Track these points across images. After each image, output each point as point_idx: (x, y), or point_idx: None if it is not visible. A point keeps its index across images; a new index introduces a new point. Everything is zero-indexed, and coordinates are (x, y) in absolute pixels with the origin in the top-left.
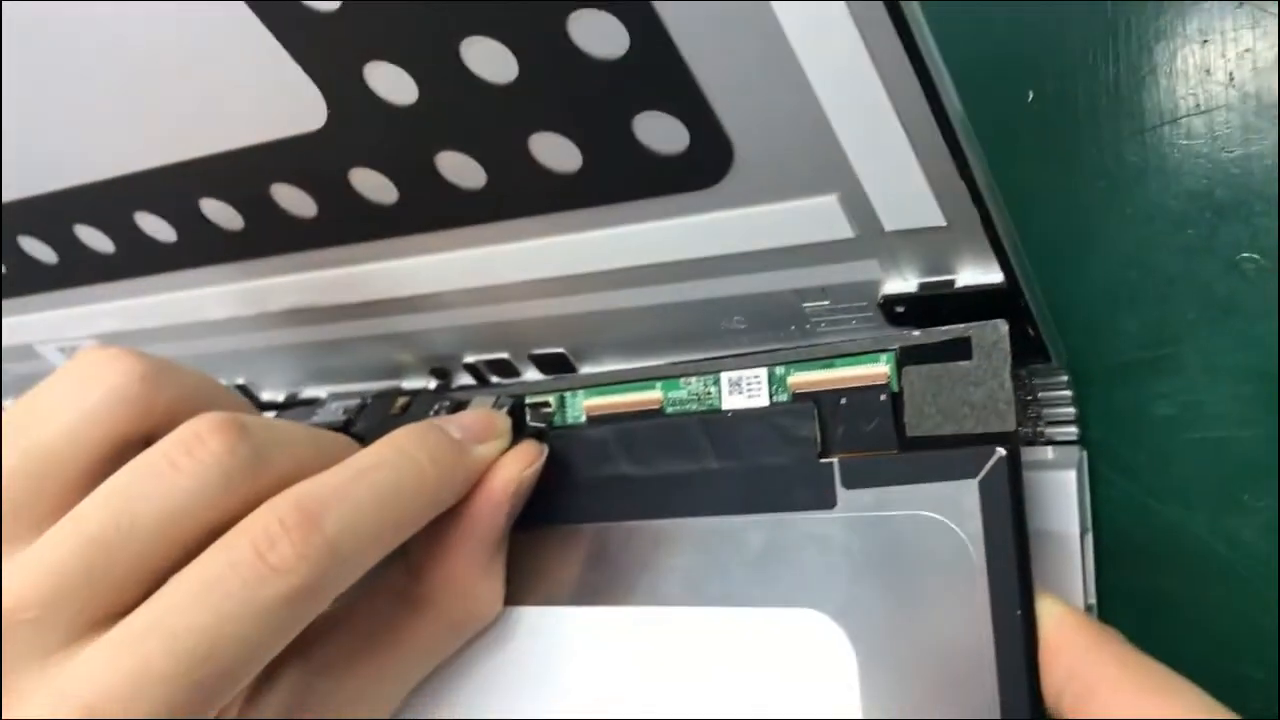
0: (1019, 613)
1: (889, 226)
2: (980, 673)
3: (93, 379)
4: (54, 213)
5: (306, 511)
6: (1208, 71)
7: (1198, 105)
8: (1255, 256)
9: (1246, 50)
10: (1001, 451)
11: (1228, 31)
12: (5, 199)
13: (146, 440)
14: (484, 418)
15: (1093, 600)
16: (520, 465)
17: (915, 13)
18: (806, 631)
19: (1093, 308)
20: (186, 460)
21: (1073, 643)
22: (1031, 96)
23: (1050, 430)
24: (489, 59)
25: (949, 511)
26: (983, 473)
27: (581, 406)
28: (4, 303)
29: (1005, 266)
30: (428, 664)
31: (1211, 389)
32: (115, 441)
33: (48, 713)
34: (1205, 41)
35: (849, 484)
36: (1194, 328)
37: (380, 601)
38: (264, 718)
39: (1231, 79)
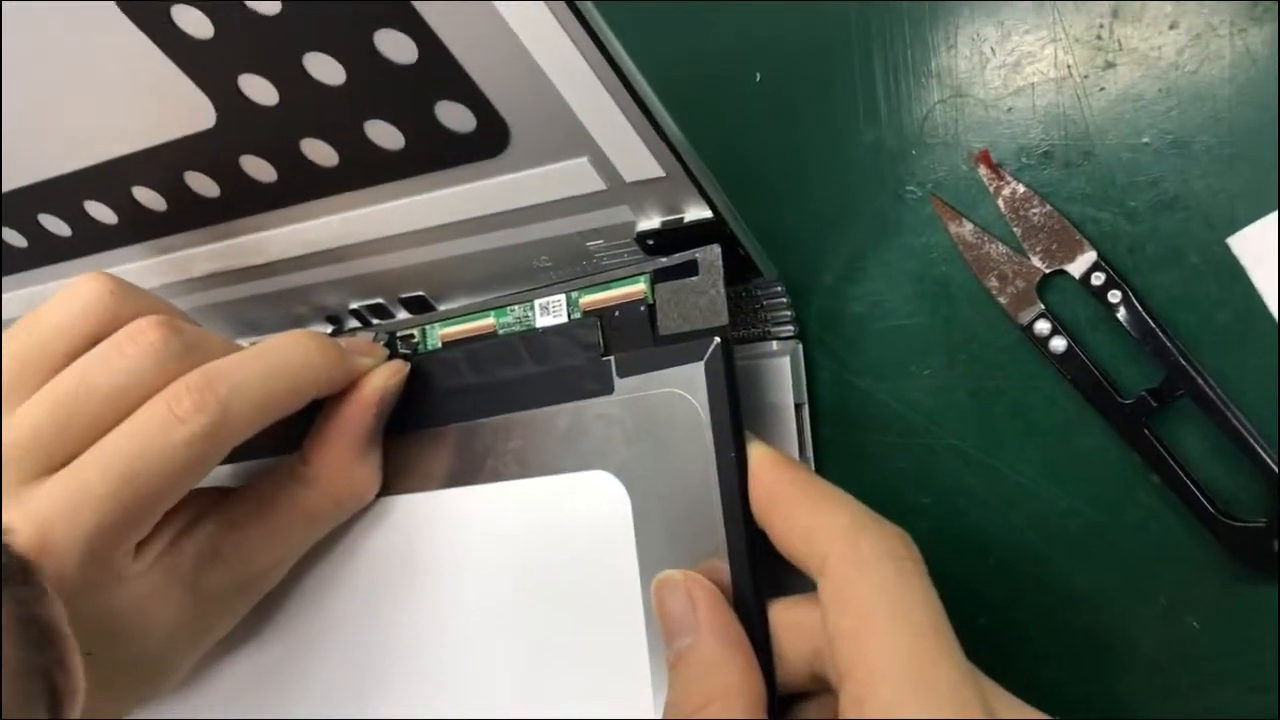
0: (733, 454)
1: (628, 179)
2: (710, 497)
3: (76, 294)
4: (22, 203)
5: (206, 378)
6: (890, 60)
7: (883, 75)
8: (913, 189)
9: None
10: (717, 340)
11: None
12: None
13: None
14: (364, 341)
15: (810, 454)
16: (385, 376)
17: (606, 33)
18: (598, 487)
19: (806, 235)
20: (130, 347)
21: (767, 469)
22: (759, 78)
23: (775, 329)
24: (325, 68)
25: (686, 386)
26: (705, 357)
27: (438, 335)
28: (18, 276)
29: (711, 206)
30: (315, 531)
31: (888, 290)
32: (89, 337)
33: (16, 525)
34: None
35: (622, 374)
36: (874, 245)
37: (280, 478)
38: (186, 556)
39: (908, 57)
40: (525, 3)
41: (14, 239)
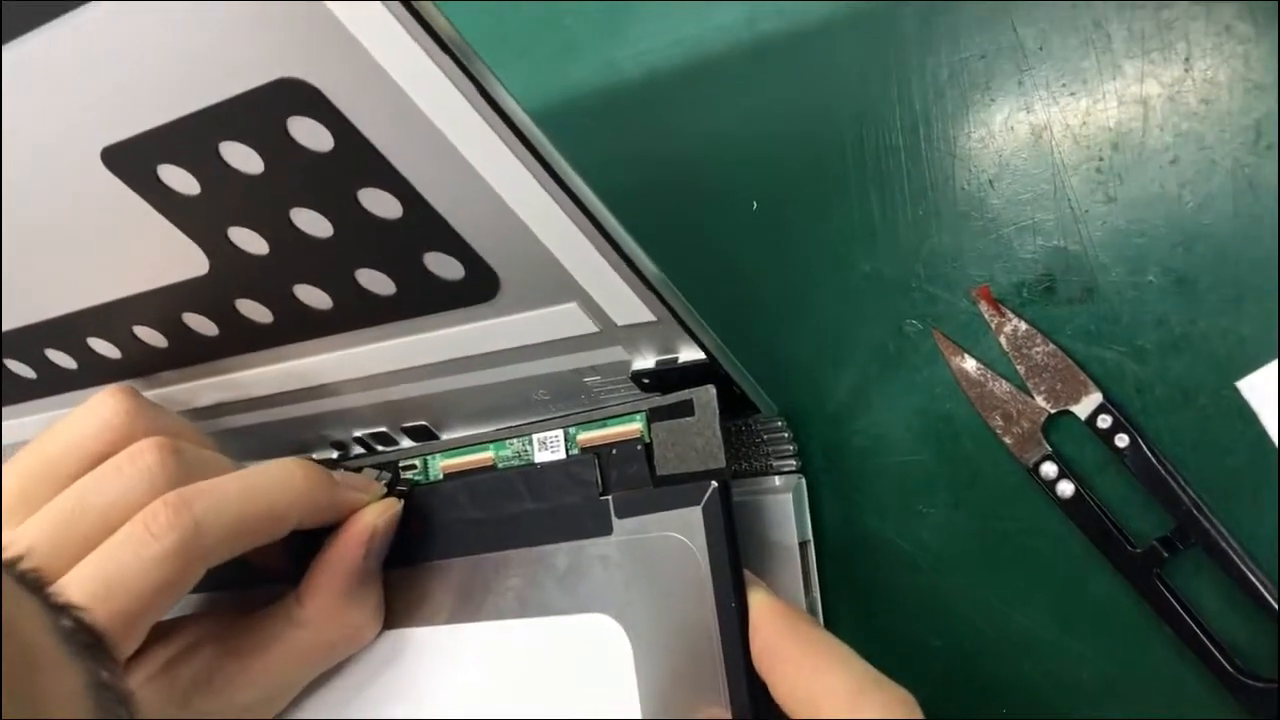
0: (733, 604)
1: (620, 322)
2: (710, 647)
3: (93, 412)
4: (28, 340)
5: (183, 497)
6: (887, 191)
7: (880, 206)
8: (915, 322)
9: (891, 148)
10: (714, 484)
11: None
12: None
13: None
14: (361, 477)
15: (816, 594)
16: (376, 514)
17: (582, 188)
18: (598, 631)
19: (807, 365)
20: (129, 467)
21: (768, 622)
22: (756, 206)
23: (778, 463)
24: (312, 222)
25: (684, 530)
26: (703, 501)
27: (439, 467)
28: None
29: (703, 348)
30: (311, 670)
31: (891, 424)
32: (103, 453)
33: None
34: (885, 163)
35: (620, 514)
36: (876, 378)
37: (278, 617)
38: (181, 680)
39: (905, 189)
40: (500, 161)
41: (23, 371)
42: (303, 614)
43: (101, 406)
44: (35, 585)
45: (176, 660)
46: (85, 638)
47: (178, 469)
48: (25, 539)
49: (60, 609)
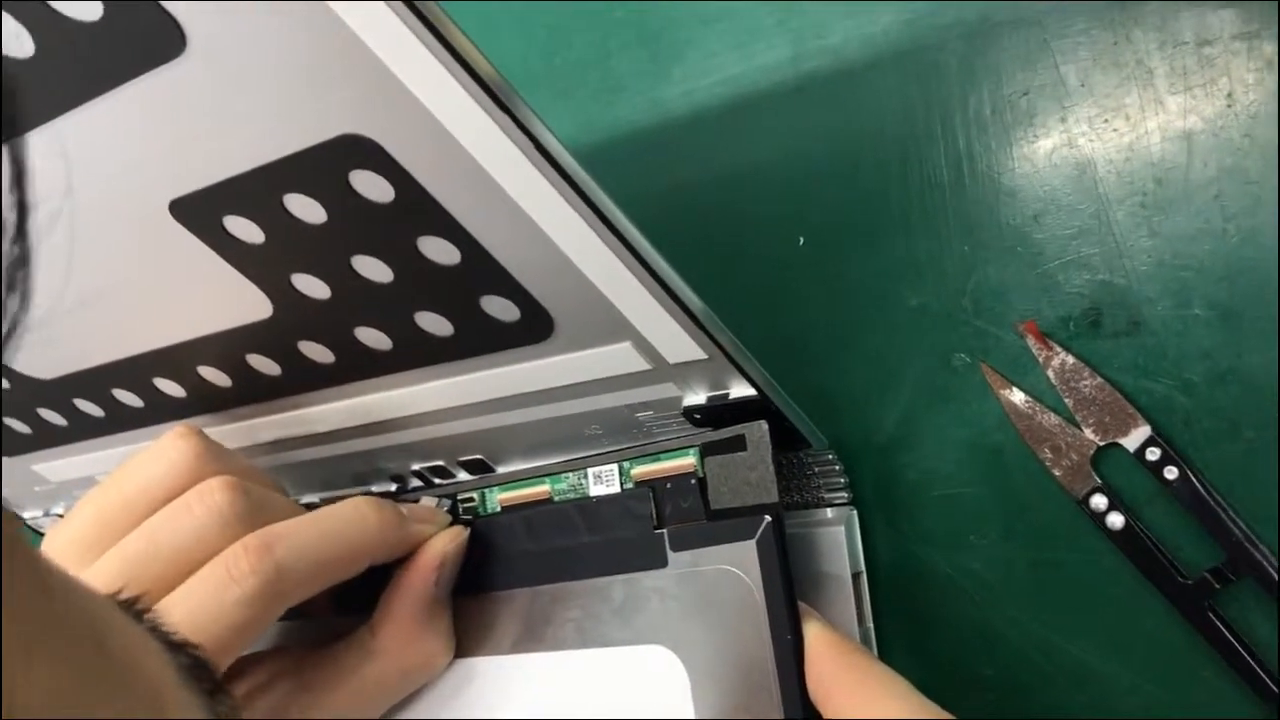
0: (789, 636)
1: (671, 360)
2: (767, 680)
3: (163, 453)
4: (95, 380)
5: (264, 541)
6: (932, 225)
7: (926, 241)
8: (963, 356)
9: (935, 180)
10: (768, 518)
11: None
12: (60, 372)
13: None
14: (427, 508)
15: (870, 624)
16: (444, 543)
17: (638, 236)
18: (656, 663)
19: (857, 398)
20: (199, 506)
21: (823, 654)
22: (803, 242)
23: (829, 495)
24: (373, 269)
25: (739, 564)
26: (757, 535)
27: (496, 500)
28: (61, 448)
29: (753, 384)
30: (385, 700)
31: (941, 456)
32: (171, 495)
33: None
34: (928, 189)
35: (675, 548)
36: (925, 411)
37: (352, 648)
38: (259, 714)
39: (950, 224)
40: (553, 207)
41: (91, 409)
42: (376, 644)
43: (170, 449)
44: (150, 621)
45: (254, 694)
46: (203, 675)
47: (247, 508)
48: (98, 580)
49: (177, 646)
